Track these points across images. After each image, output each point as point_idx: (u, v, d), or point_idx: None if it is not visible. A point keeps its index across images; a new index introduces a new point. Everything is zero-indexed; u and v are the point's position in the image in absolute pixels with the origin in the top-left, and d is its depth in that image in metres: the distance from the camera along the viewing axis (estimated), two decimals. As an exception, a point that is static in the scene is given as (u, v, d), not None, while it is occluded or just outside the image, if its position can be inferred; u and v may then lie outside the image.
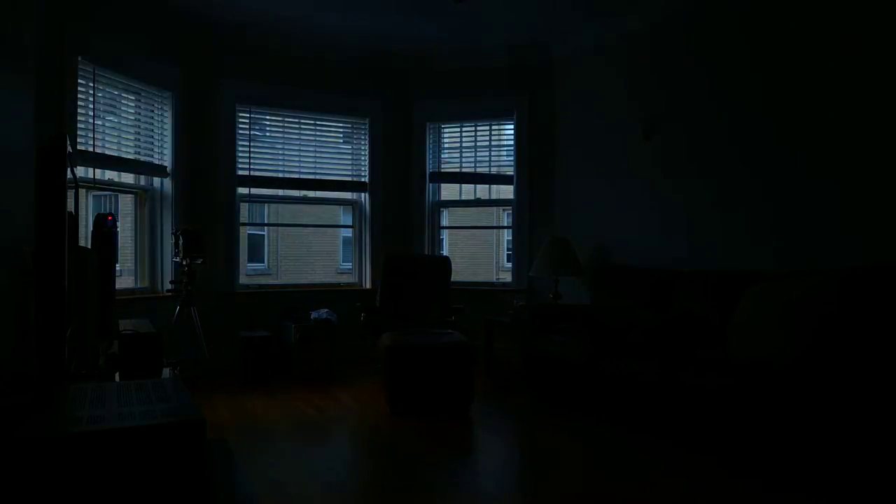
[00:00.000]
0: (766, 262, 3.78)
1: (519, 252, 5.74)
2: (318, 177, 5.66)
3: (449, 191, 6.42)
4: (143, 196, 4.79)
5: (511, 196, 5.75)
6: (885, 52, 3.23)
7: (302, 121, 5.59)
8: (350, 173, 5.80)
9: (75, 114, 3.98)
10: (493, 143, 5.86)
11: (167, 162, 4.81)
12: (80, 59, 3.99)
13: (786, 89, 3.73)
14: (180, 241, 4.38)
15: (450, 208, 6.29)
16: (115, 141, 4.45)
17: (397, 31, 5.17)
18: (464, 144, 5.92)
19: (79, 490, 1.40)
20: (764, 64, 3.85)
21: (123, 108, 4.58)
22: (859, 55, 3.35)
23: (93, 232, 3.30)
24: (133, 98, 4.61)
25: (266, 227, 12.99)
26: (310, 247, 13.03)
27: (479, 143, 5.86)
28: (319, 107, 5.58)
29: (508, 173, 5.79)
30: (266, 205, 11.96)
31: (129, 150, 4.56)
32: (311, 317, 5.00)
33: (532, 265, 5.21)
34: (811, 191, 3.58)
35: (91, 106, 4.17)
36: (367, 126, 5.77)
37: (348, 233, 7.18)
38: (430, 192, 5.90)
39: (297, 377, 4.85)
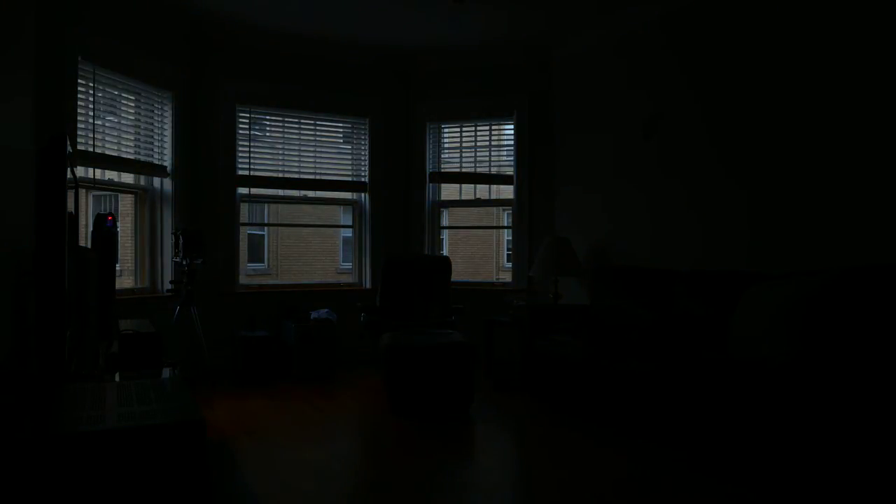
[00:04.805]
0: (768, 264, 3.78)
1: (519, 252, 5.74)
2: (318, 177, 5.66)
3: (449, 191, 6.42)
4: (143, 196, 4.79)
5: (511, 196, 5.75)
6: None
7: (302, 121, 5.59)
8: (350, 173, 5.80)
9: (75, 114, 3.98)
10: (493, 143, 5.86)
11: (167, 162, 4.81)
12: (80, 59, 3.99)
13: (781, 90, 3.73)
14: (180, 241, 4.38)
15: (450, 208, 6.29)
16: (115, 141, 4.45)
17: (397, 31, 5.17)
18: (464, 144, 5.92)
19: (79, 490, 1.40)
20: (768, 62, 3.85)
21: (123, 108, 4.58)
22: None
23: (93, 232, 3.29)
24: (133, 98, 4.61)
25: (266, 227, 12.98)
26: (310, 247, 13.03)
27: (479, 143, 5.86)
28: (319, 107, 5.58)
29: (508, 173, 5.79)
30: (266, 205, 11.96)
31: (129, 150, 4.56)
32: (311, 317, 5.00)
33: (532, 265, 5.21)
34: (816, 189, 3.59)
35: (91, 106, 4.17)
36: (367, 126, 5.77)
37: (348, 233, 7.19)
38: (430, 192, 5.90)
39: (297, 377, 4.86)
